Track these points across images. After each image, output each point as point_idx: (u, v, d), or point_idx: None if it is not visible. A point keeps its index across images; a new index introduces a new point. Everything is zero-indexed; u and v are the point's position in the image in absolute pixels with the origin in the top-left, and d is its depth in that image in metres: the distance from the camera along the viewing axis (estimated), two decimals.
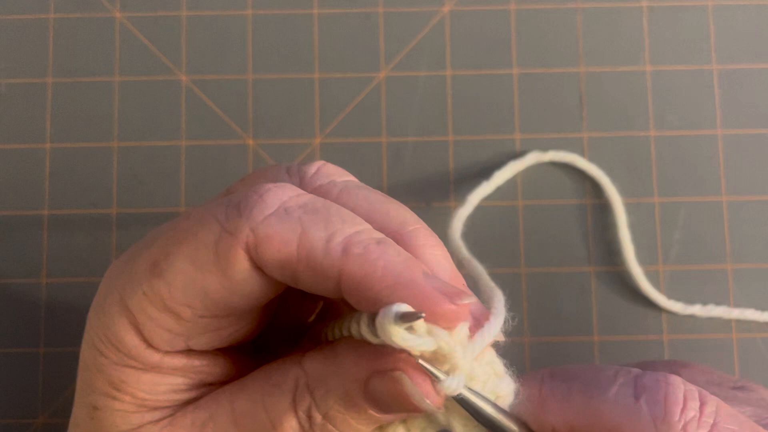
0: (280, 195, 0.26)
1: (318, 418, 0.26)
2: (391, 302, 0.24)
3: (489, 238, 0.42)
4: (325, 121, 0.43)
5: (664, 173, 0.43)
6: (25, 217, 0.42)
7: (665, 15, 0.44)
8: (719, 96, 0.44)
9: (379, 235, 0.26)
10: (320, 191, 0.28)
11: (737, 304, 0.42)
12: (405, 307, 0.24)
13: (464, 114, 0.43)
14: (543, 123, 0.43)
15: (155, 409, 0.28)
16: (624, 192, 0.43)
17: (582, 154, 0.43)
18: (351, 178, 0.30)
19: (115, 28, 0.44)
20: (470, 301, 0.25)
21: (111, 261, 0.42)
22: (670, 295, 0.42)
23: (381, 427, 0.28)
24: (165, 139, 0.43)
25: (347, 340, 0.27)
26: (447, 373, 0.25)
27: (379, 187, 0.43)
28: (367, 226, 0.26)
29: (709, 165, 0.43)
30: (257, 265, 0.26)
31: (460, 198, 0.42)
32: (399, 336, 0.24)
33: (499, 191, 0.43)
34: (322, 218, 0.26)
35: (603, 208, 0.43)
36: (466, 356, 0.25)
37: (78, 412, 0.29)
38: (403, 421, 0.28)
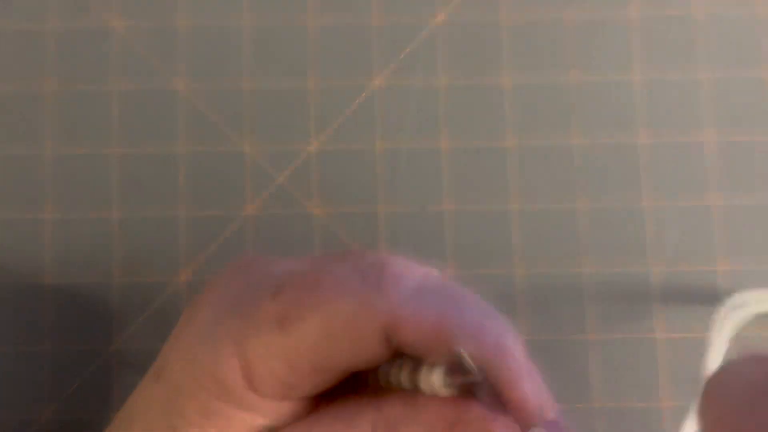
0: (415, 273, 0.27)
1: None
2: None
3: (484, 243, 0.43)
4: (321, 128, 0.44)
5: (661, 177, 0.43)
6: (28, 221, 0.43)
7: (656, 24, 0.45)
8: (713, 104, 0.44)
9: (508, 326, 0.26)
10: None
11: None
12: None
13: (458, 122, 0.44)
14: (536, 130, 0.44)
15: None
16: (619, 195, 0.43)
17: (575, 160, 0.44)
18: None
19: (112, 38, 0.45)
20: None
21: (111, 261, 0.42)
22: (668, 296, 0.42)
23: None
24: (163, 146, 0.43)
25: (422, 394, 0.27)
26: None
27: (375, 193, 0.43)
28: (497, 317, 0.26)
29: (706, 169, 0.44)
30: (388, 338, 0.26)
31: (456, 202, 0.43)
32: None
33: (494, 196, 0.43)
34: (454, 298, 0.26)
35: (603, 210, 0.43)
36: None
37: (152, 427, 0.29)
38: None
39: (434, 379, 0.25)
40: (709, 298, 0.43)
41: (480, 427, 0.25)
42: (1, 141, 0.43)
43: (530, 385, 0.25)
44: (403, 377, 0.27)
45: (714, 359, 0.40)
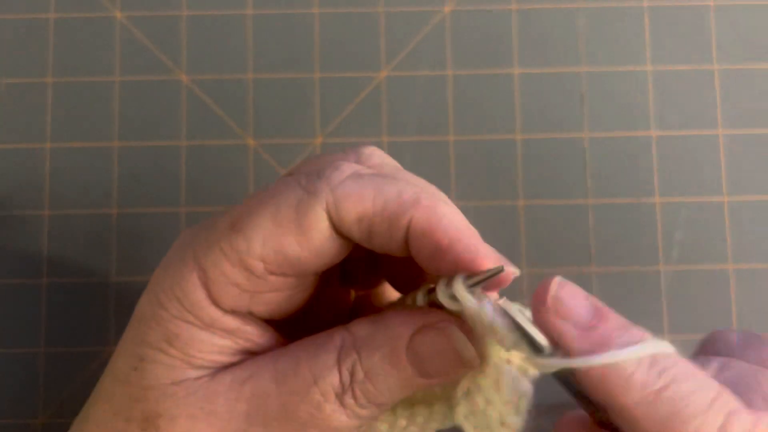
0: (354, 165, 0.29)
1: (360, 375, 0.28)
2: (452, 253, 0.27)
3: (490, 238, 0.42)
4: (326, 121, 0.43)
5: (664, 173, 0.43)
6: (25, 217, 0.42)
7: (666, 14, 0.44)
8: (720, 96, 0.44)
9: (445, 196, 0.29)
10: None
11: (738, 305, 0.42)
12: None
13: (465, 114, 0.43)
14: (543, 123, 0.43)
15: (199, 367, 0.29)
16: (625, 192, 0.43)
17: (583, 153, 0.43)
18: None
19: (115, 27, 0.44)
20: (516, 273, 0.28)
21: (111, 261, 0.42)
22: (671, 296, 0.42)
23: (395, 411, 0.30)
24: (165, 138, 0.43)
25: (393, 308, 0.30)
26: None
27: None
28: (434, 188, 0.30)
29: (709, 165, 0.43)
30: (334, 224, 0.28)
31: (462, 197, 0.42)
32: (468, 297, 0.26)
33: (499, 190, 0.43)
34: (392, 179, 0.29)
35: (605, 206, 0.43)
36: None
37: (120, 365, 0.30)
38: (428, 405, 0.30)
39: (418, 297, 0.28)
40: (719, 297, 0.42)
41: (440, 327, 0.28)
42: (2, 132, 0.43)
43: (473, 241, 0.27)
44: (408, 300, 0.29)
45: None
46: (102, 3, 0.44)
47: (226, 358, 0.29)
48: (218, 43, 0.44)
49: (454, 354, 0.28)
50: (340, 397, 0.28)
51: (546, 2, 0.44)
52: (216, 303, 0.28)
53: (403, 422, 0.30)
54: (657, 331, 0.41)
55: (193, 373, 0.29)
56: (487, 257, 0.27)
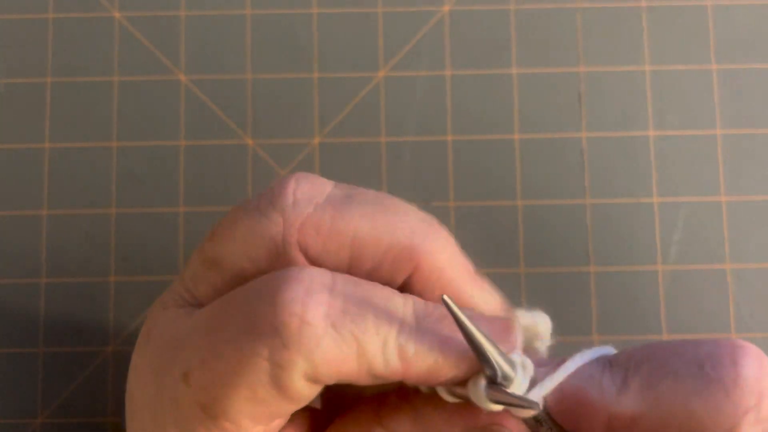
0: (319, 307, 0.24)
1: None
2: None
3: (488, 238, 0.42)
4: (325, 121, 0.43)
5: (662, 173, 0.43)
6: (24, 217, 0.42)
7: (665, 14, 0.44)
8: (719, 96, 0.44)
9: (421, 305, 0.25)
10: (310, 225, 0.26)
11: (737, 304, 0.42)
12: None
13: (463, 114, 0.43)
14: (542, 123, 0.43)
15: None
16: (623, 192, 0.43)
17: (581, 153, 0.43)
18: (328, 189, 0.27)
19: (114, 27, 0.44)
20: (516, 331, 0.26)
21: (110, 261, 0.42)
22: (669, 296, 0.42)
23: None
24: (164, 138, 0.43)
25: (425, 397, 0.27)
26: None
27: (379, 187, 0.43)
28: (408, 299, 0.25)
29: (707, 165, 0.43)
30: (314, 381, 0.24)
31: (460, 198, 0.42)
32: (494, 407, 0.25)
33: (498, 190, 0.43)
34: (370, 318, 0.24)
35: (603, 206, 0.43)
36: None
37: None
38: None
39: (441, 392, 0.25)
40: (717, 296, 0.42)
41: (495, 429, 0.25)
42: (1, 132, 0.43)
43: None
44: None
45: None
46: (101, 3, 0.44)
47: None
48: (217, 43, 0.44)
49: None
50: None
51: (545, 2, 0.44)
52: None
53: None
54: (655, 330, 0.42)
55: None
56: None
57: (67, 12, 0.44)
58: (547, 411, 0.26)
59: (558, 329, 0.42)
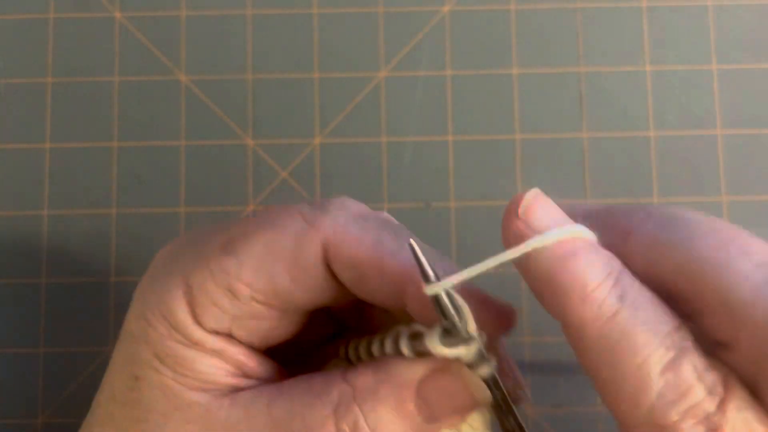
0: (360, 206, 0.29)
1: (365, 430, 0.27)
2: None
3: (489, 238, 0.42)
4: (325, 121, 0.43)
5: (663, 173, 0.43)
6: (24, 217, 0.42)
7: (665, 15, 0.44)
8: (719, 96, 0.44)
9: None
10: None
11: None
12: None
13: (464, 114, 0.43)
14: (542, 123, 0.43)
15: (196, 389, 0.28)
16: (623, 192, 0.43)
17: (581, 153, 0.43)
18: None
19: (114, 27, 0.44)
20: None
21: (111, 261, 0.42)
22: None
23: None
24: (164, 138, 0.43)
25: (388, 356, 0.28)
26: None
27: (379, 187, 0.43)
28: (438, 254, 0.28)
29: (708, 165, 0.43)
30: (328, 263, 0.27)
31: (461, 198, 0.42)
32: (447, 351, 0.26)
33: (498, 190, 0.43)
34: (395, 230, 0.28)
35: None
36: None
37: (116, 383, 0.29)
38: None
39: (402, 344, 0.27)
40: None
41: (453, 370, 0.27)
42: (1, 133, 0.43)
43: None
44: (375, 347, 0.28)
45: None
46: (101, 3, 0.44)
47: (221, 379, 0.28)
48: (217, 43, 0.44)
49: (466, 395, 0.27)
50: None
51: (545, 2, 0.44)
52: (198, 322, 0.28)
53: None
54: None
55: (191, 397, 0.28)
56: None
57: (67, 12, 0.44)
58: (496, 369, 0.27)
59: (558, 331, 0.42)
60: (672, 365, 0.22)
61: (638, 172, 0.43)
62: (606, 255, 0.25)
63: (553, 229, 0.25)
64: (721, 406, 0.22)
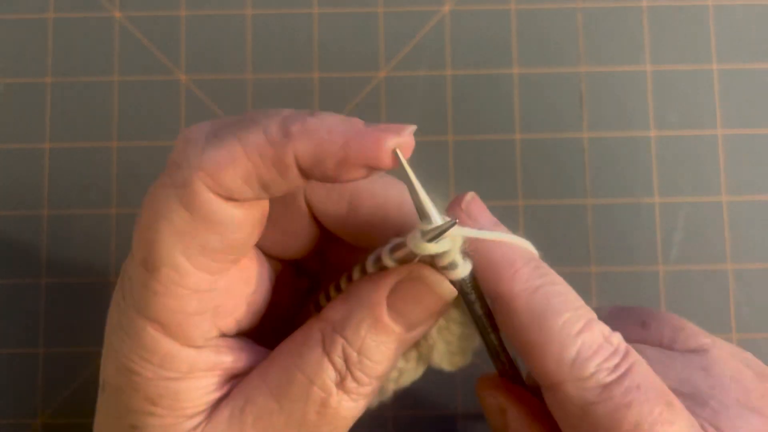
0: (202, 128, 0.27)
1: (354, 356, 0.28)
2: (350, 156, 0.25)
3: None
4: None
5: (663, 173, 0.43)
6: (24, 217, 0.42)
7: (665, 14, 0.44)
8: (719, 96, 0.44)
9: (306, 110, 0.27)
10: None
11: (737, 304, 0.42)
12: (430, 224, 0.27)
13: (464, 114, 0.43)
14: (543, 123, 0.43)
15: (193, 415, 0.28)
16: (624, 192, 0.43)
17: (582, 153, 0.43)
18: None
19: (114, 27, 0.44)
20: (413, 128, 0.27)
21: (110, 261, 0.42)
22: (671, 295, 0.42)
23: (418, 345, 0.30)
24: (164, 138, 0.43)
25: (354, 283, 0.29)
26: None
27: None
28: (290, 111, 0.27)
29: (708, 165, 0.43)
30: (226, 196, 0.26)
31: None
32: (430, 247, 0.27)
33: (499, 190, 0.43)
34: (249, 121, 0.26)
35: (604, 206, 0.43)
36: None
37: None
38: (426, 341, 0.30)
39: (385, 256, 0.28)
40: (718, 296, 0.42)
41: (412, 276, 0.28)
42: (1, 132, 0.43)
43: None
44: (342, 282, 0.29)
45: None
46: (101, 3, 0.44)
47: (216, 394, 0.28)
48: (217, 43, 0.44)
49: (433, 294, 0.28)
50: (340, 385, 0.28)
51: (545, 2, 0.44)
52: (185, 341, 0.27)
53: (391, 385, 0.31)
54: None
55: (190, 424, 0.28)
56: (388, 135, 0.26)
57: (67, 12, 0.44)
58: (472, 276, 0.28)
59: None
60: (586, 328, 0.27)
61: (638, 172, 0.43)
62: (530, 251, 0.30)
63: (489, 224, 0.31)
64: (625, 357, 0.27)
